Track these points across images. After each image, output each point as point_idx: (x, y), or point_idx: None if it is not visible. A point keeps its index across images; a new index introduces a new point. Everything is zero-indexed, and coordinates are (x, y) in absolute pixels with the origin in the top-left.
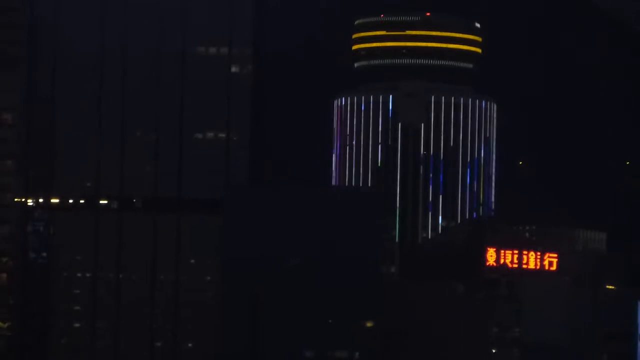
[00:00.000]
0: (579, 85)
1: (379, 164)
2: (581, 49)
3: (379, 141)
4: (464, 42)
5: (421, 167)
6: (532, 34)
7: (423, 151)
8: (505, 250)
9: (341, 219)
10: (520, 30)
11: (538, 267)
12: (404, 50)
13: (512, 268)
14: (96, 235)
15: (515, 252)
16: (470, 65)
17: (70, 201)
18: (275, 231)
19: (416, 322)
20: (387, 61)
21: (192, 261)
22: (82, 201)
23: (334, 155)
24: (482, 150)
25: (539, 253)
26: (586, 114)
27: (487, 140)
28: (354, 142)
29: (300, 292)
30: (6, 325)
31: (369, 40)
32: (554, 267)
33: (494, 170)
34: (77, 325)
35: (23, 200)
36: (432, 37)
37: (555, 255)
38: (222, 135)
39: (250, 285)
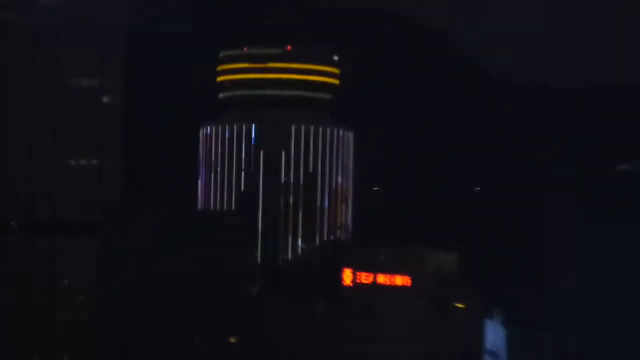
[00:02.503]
0: (430, 113)
1: (242, 189)
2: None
3: (242, 168)
4: (323, 74)
5: (281, 192)
6: (387, 65)
7: (284, 177)
8: (360, 273)
9: (208, 239)
10: (377, 61)
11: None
12: (266, 82)
13: (369, 287)
14: None
15: (370, 274)
16: (329, 96)
17: None
18: (149, 251)
19: (277, 340)
20: (250, 92)
21: (66, 282)
22: None
23: (199, 181)
24: (340, 176)
25: (391, 276)
26: (439, 142)
27: (345, 167)
28: (218, 169)
29: (170, 312)
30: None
31: (233, 72)
32: (408, 284)
33: (351, 195)
34: None
35: None
36: (292, 69)
37: (408, 278)
38: (95, 161)
39: (124, 305)
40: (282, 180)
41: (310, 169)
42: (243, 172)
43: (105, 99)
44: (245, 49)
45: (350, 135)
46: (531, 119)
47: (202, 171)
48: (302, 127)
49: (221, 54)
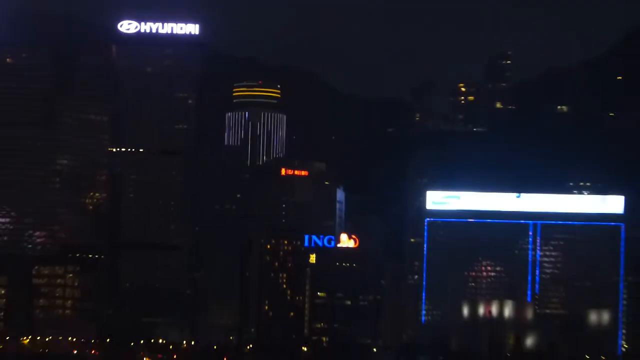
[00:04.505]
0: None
1: (242, 137)
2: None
3: (243, 128)
4: (273, 92)
5: (257, 137)
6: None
7: (258, 131)
8: (287, 169)
9: (231, 155)
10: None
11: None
12: (252, 95)
13: (290, 175)
14: None
15: (292, 170)
16: (275, 101)
17: None
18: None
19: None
20: (246, 99)
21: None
22: None
23: (225, 135)
24: (280, 131)
25: (299, 171)
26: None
27: (282, 127)
28: (239, 132)
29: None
30: None
31: (240, 91)
32: (306, 174)
33: (285, 139)
34: None
35: None
36: (261, 90)
37: (307, 172)
38: (184, 126)
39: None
40: (258, 133)
41: (268, 128)
42: (242, 131)
43: (189, 101)
44: (244, 82)
45: (284, 116)
46: None
47: (227, 130)
48: (265, 112)
49: (235, 84)
